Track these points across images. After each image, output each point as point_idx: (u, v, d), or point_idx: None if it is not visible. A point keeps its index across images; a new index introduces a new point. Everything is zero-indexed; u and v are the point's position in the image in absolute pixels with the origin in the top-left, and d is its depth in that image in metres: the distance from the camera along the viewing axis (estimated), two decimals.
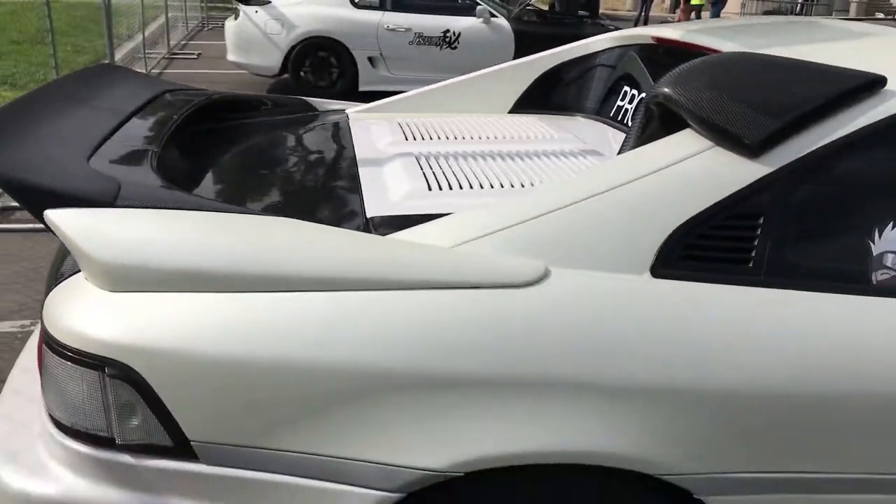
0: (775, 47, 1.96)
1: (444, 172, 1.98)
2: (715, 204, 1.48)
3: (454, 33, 8.54)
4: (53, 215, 1.41)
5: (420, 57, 8.58)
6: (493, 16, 8.58)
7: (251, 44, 8.45)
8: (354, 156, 2.14)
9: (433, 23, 8.54)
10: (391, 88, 8.60)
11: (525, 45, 8.60)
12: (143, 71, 8.78)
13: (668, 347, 1.40)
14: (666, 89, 1.63)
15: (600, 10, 14.96)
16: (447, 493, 1.44)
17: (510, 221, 1.48)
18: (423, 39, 8.52)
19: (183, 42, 12.15)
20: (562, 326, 1.39)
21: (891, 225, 1.52)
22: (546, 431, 1.37)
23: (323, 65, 8.55)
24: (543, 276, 1.42)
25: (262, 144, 2.25)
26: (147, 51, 9.92)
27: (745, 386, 1.41)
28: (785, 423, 1.43)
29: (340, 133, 2.38)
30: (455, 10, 8.61)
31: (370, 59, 8.52)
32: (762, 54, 1.75)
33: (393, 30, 8.43)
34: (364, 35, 8.41)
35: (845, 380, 1.43)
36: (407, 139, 2.29)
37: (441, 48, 8.56)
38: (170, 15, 11.36)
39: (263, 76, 8.71)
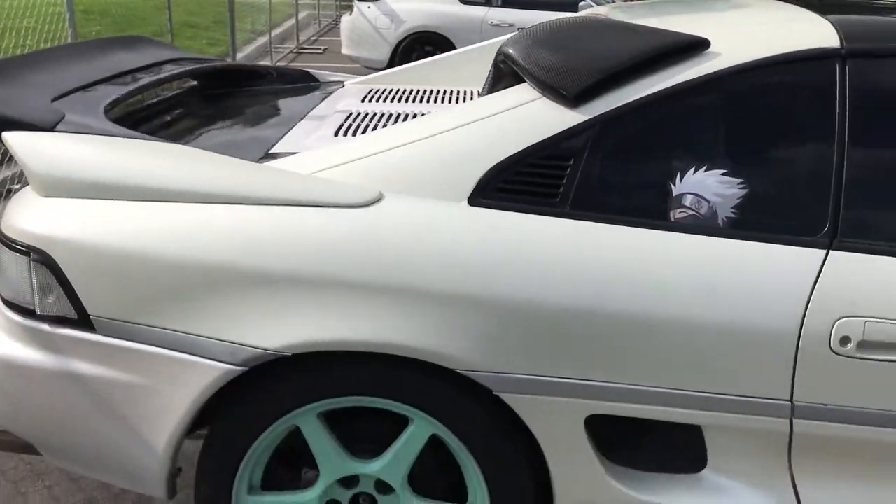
0: (644, 18, 2.14)
1: (361, 125, 2.28)
2: (531, 146, 1.72)
3: None
4: (8, 136, 1.82)
5: None
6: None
7: (363, 38, 8.97)
8: (308, 111, 2.47)
9: (536, 18, 8.76)
10: None
11: None
12: (269, 63, 9.48)
13: (473, 262, 1.65)
14: (508, 48, 1.87)
15: None
16: (280, 370, 1.75)
17: (361, 154, 1.78)
18: None
19: (314, 38, 12.91)
20: (384, 240, 1.67)
21: (692, 170, 1.71)
22: (361, 324, 1.66)
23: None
24: (376, 200, 1.71)
25: (233, 103, 2.61)
26: (277, 46, 10.67)
27: (538, 299, 1.64)
28: (573, 335, 1.65)
29: (315, 97, 2.72)
30: (560, 5, 8.81)
31: None
32: (606, 19, 1.96)
33: (497, 25, 8.73)
34: (469, 30, 8.76)
35: (630, 301, 1.64)
36: (363, 101, 2.60)
37: None
38: (305, 13, 12.12)
39: (373, 69, 9.20)
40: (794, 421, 1.67)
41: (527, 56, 1.84)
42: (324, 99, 2.68)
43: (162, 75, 2.41)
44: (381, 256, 1.66)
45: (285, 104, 2.64)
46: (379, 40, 8.91)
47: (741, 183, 1.70)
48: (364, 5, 8.95)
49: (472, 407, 1.72)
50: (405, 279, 1.65)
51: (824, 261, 1.66)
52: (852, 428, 1.67)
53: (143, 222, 1.73)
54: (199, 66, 2.64)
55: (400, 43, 8.86)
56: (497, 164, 1.72)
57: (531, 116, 1.74)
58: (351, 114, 2.42)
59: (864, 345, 1.63)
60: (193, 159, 1.79)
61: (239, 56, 9.19)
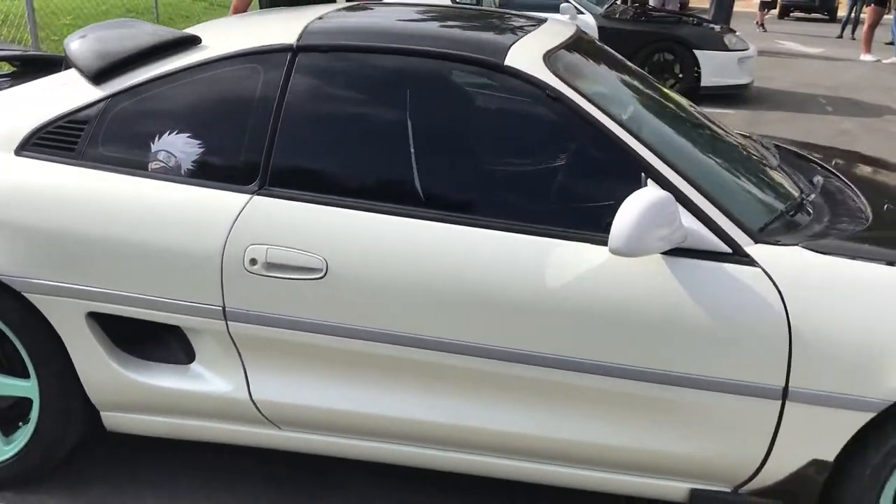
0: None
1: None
2: (64, 112, 2.33)
3: None
4: None
5: None
6: (580, 12, 9.08)
7: None
8: None
9: None
10: None
11: (609, 41, 8.99)
12: None
13: (12, 198, 2.26)
14: (69, 41, 2.48)
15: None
16: None
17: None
18: None
19: None
20: None
21: (168, 132, 2.28)
22: None
23: None
24: None
25: None
26: None
27: (49, 226, 2.24)
28: (74, 252, 2.23)
29: None
30: (544, 7, 9.21)
31: None
32: (141, 23, 2.54)
33: None
34: None
35: (109, 228, 2.22)
36: None
37: None
38: None
39: None
40: (229, 323, 2.22)
41: (70, 47, 2.45)
42: None
43: None
44: None
45: None
46: None
47: (200, 143, 2.26)
48: None
49: (11, 302, 2.33)
50: None
51: (247, 203, 2.20)
52: (272, 330, 2.20)
53: None
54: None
55: None
56: (39, 124, 2.33)
57: (66, 90, 2.35)
58: None
59: (268, 266, 2.16)
60: None
61: None
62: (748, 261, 2.04)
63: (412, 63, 2.26)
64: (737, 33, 9.51)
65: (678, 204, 2.06)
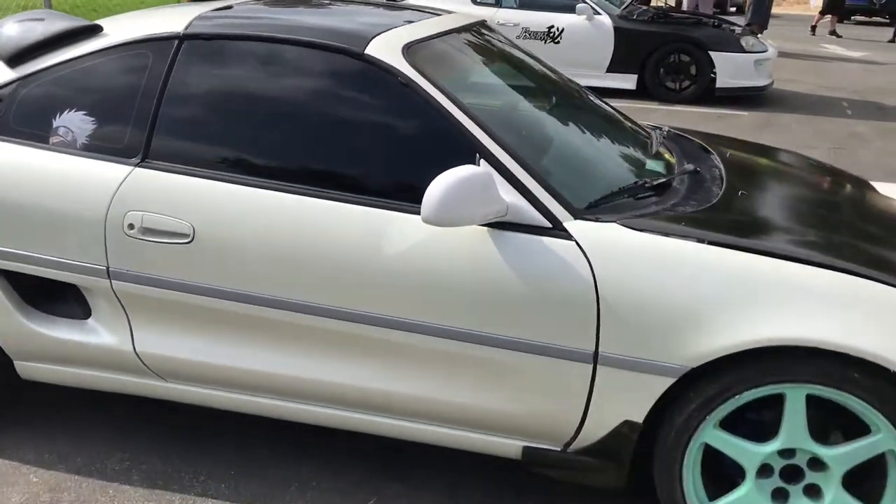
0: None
1: None
2: None
3: (558, 29, 9.29)
4: None
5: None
6: (597, 13, 9.19)
7: None
8: None
9: (540, 18, 9.37)
10: None
11: (624, 42, 9.10)
12: None
13: None
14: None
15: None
16: None
17: None
18: (529, 34, 9.39)
19: None
20: None
21: (67, 110, 2.55)
22: None
23: None
24: None
25: None
26: None
27: None
28: None
29: None
30: (562, 7, 9.35)
31: None
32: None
33: (503, 24, 9.40)
34: None
35: (17, 194, 2.50)
36: None
37: (545, 42, 9.36)
38: None
39: None
40: (113, 282, 2.47)
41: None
42: None
43: None
44: None
45: None
46: None
47: (94, 120, 2.53)
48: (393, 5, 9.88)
49: None
50: None
51: (128, 174, 2.45)
52: (148, 289, 2.45)
53: None
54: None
55: None
56: None
57: None
58: None
59: (143, 230, 2.41)
60: None
61: None
62: (565, 235, 2.21)
63: (281, 51, 2.49)
64: (758, 35, 9.50)
65: (498, 181, 2.24)
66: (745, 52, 8.91)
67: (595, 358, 2.18)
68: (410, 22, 2.72)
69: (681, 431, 2.18)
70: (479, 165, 2.24)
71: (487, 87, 2.65)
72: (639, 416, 2.20)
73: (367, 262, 2.27)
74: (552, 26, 9.30)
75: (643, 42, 9.10)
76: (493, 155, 2.28)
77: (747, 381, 2.10)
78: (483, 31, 3.07)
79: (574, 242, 2.19)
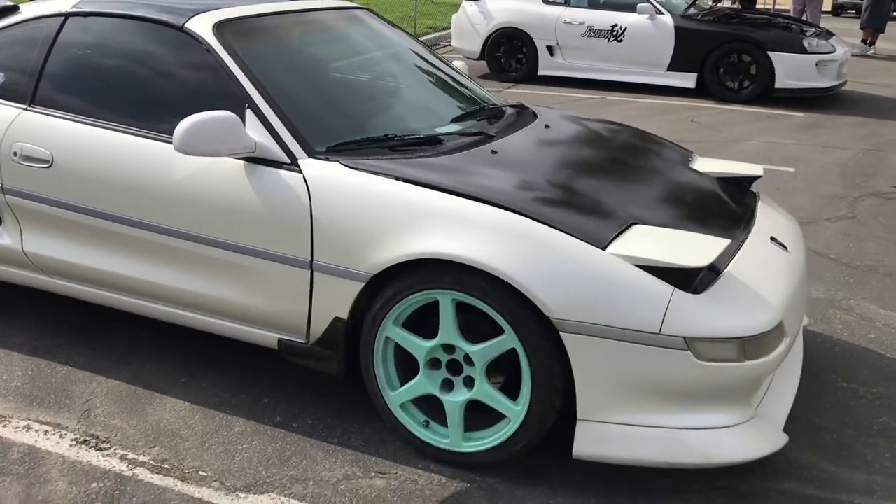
0: None
1: None
2: None
3: (621, 27, 9.62)
4: None
5: (590, 48, 9.83)
6: (659, 12, 9.44)
7: (463, 31, 10.56)
8: None
9: (604, 17, 9.72)
10: (565, 75, 10.05)
11: (684, 41, 9.31)
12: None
13: None
14: None
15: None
16: None
17: None
18: (593, 32, 9.76)
19: None
20: None
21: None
22: None
23: (512, 51, 10.30)
24: None
25: None
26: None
27: None
28: None
29: None
30: (627, 6, 9.67)
31: (549, 48, 10.03)
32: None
33: (569, 23, 9.83)
34: (545, 27, 9.95)
35: None
36: None
37: (609, 41, 9.71)
38: None
39: (470, 59, 10.74)
40: (6, 196, 3.30)
41: None
42: None
43: None
44: None
45: None
46: (473, 34, 10.43)
47: (4, 74, 3.37)
48: (468, 3, 10.51)
49: None
50: None
51: (18, 115, 3.27)
52: (27, 202, 3.25)
53: None
54: None
55: (489, 37, 10.29)
56: None
57: None
58: None
59: (23, 157, 3.22)
60: None
61: None
62: (297, 170, 2.81)
63: (127, 24, 3.24)
64: (830, 38, 9.40)
65: (256, 125, 2.86)
66: (807, 53, 8.89)
67: (311, 265, 2.78)
68: (234, 6, 3.37)
69: (370, 327, 2.74)
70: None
71: (292, 55, 3.28)
72: (344, 313, 2.77)
73: (159, 185, 2.97)
74: (615, 25, 9.63)
75: (703, 41, 9.25)
76: (256, 104, 2.91)
77: (410, 288, 2.63)
78: (350, 16, 3.73)
79: (301, 176, 2.79)
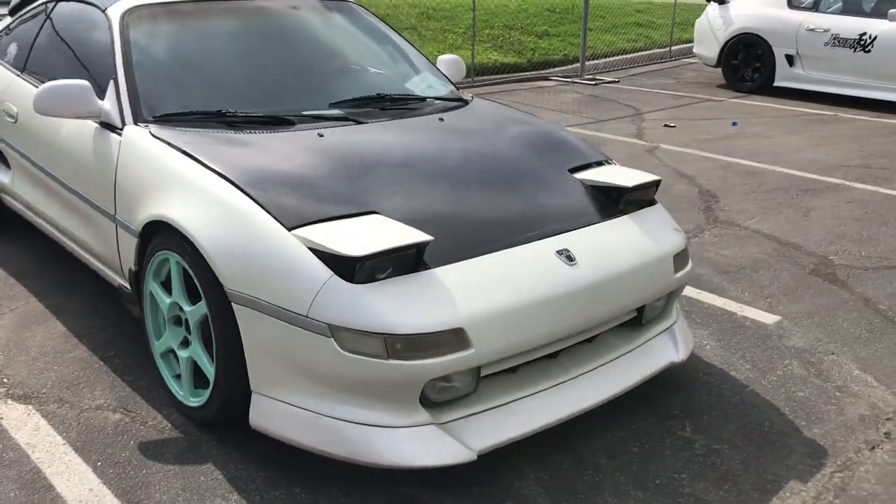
0: None
1: None
2: None
3: (870, 36, 8.47)
4: None
5: (833, 58, 8.78)
6: None
7: (703, 36, 9.96)
8: None
9: (851, 24, 8.62)
10: (803, 87, 9.08)
11: None
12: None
13: None
14: None
15: None
16: None
17: None
18: (838, 41, 8.70)
19: None
20: None
21: (15, 40, 4.19)
22: None
23: (749, 59, 9.51)
24: None
25: None
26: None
27: None
28: None
29: None
30: (878, 13, 8.48)
31: (788, 57, 9.12)
32: None
33: (812, 30, 8.86)
34: (785, 34, 9.06)
35: None
36: None
37: (855, 51, 8.60)
38: None
39: (708, 66, 10.08)
40: (0, 144, 4.08)
41: None
42: None
43: None
44: None
45: None
46: (712, 39, 9.77)
47: (18, 45, 4.14)
48: (711, 6, 9.87)
49: None
50: None
51: (13, 79, 4.02)
52: (9, 149, 4.00)
53: None
54: None
55: (727, 43, 9.58)
56: None
57: None
58: None
59: (7, 114, 3.97)
60: None
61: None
62: (119, 133, 3.18)
63: (76, 7, 3.81)
64: None
65: (94, 90, 3.26)
66: None
67: (115, 220, 3.14)
68: None
69: (143, 280, 3.02)
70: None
71: (183, 39, 3.59)
72: (133, 265, 3.08)
73: (55, 140, 3.51)
74: (864, 33, 8.50)
75: None
76: (117, 76, 3.32)
77: (156, 247, 2.87)
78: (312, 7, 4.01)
79: (120, 140, 3.16)
